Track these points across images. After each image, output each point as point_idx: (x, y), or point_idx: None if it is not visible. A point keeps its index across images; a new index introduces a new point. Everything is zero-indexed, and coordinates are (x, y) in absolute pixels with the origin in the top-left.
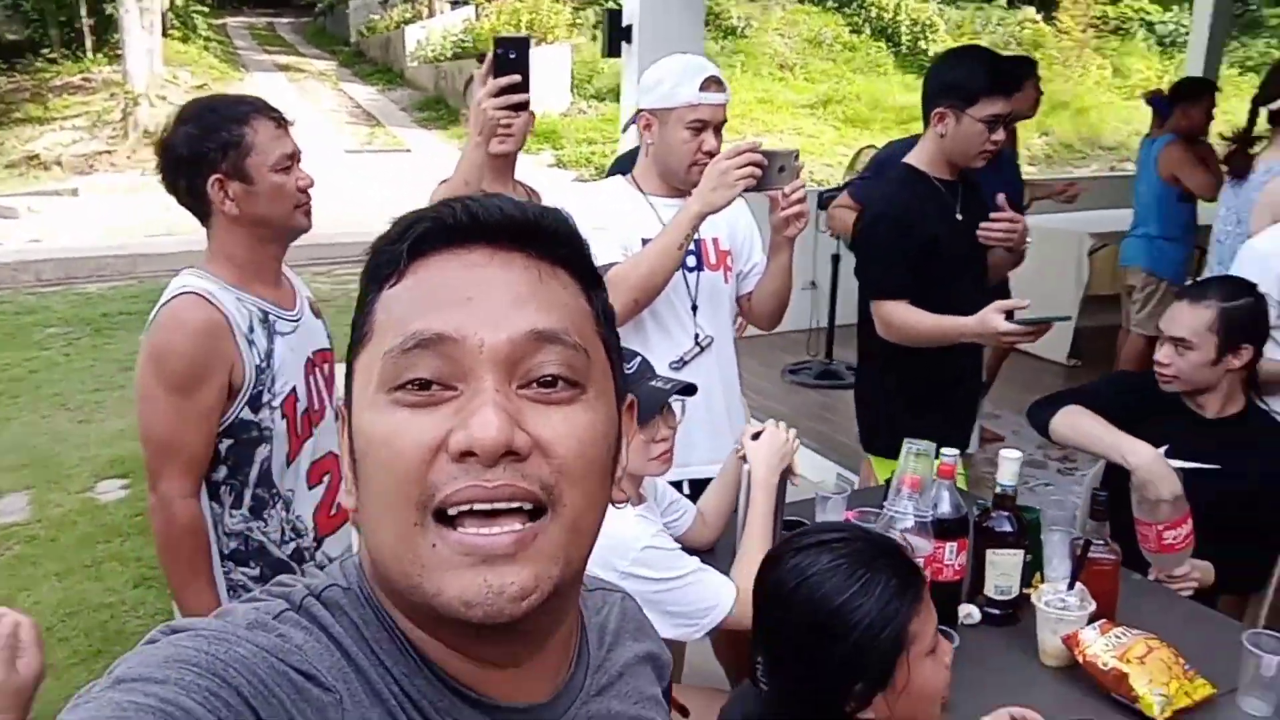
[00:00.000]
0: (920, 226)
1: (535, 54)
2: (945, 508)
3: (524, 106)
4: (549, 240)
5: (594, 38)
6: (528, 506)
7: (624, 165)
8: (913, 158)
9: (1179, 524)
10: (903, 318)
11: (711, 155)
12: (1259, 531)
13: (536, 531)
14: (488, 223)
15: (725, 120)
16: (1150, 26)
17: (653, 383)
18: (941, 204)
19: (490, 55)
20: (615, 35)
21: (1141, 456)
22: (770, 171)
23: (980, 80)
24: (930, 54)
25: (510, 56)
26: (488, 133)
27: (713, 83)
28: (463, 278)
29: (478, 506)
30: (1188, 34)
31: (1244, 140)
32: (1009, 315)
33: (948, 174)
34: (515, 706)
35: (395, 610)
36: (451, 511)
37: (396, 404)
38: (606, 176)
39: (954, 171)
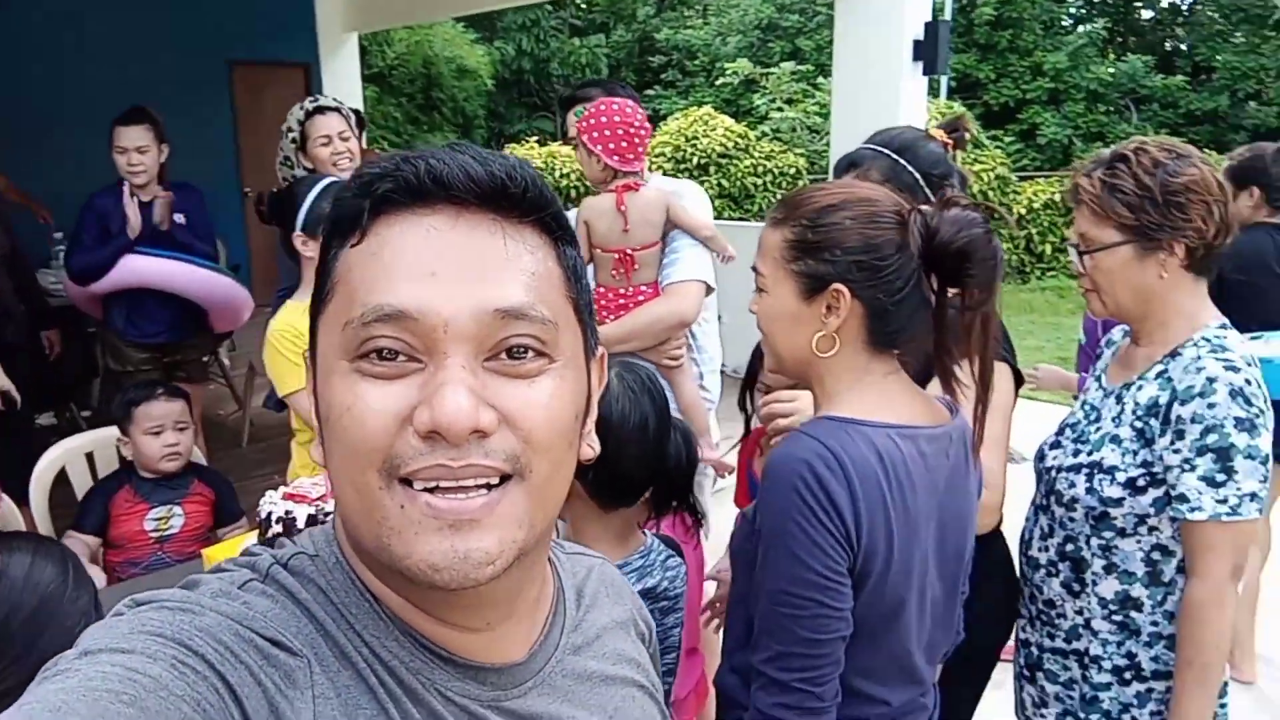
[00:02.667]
0: None
1: None
2: None
3: None
4: (516, 199)
5: None
6: (494, 481)
7: None
8: None
9: None
10: None
11: None
12: None
13: (502, 496)
14: (452, 183)
15: None
16: None
17: None
18: None
19: None
20: None
21: None
22: None
23: None
24: None
25: None
26: None
27: None
28: (425, 246)
29: (444, 484)
30: None
31: None
32: None
33: None
34: (490, 666)
35: (368, 573)
36: (417, 485)
37: (360, 373)
38: None
39: None
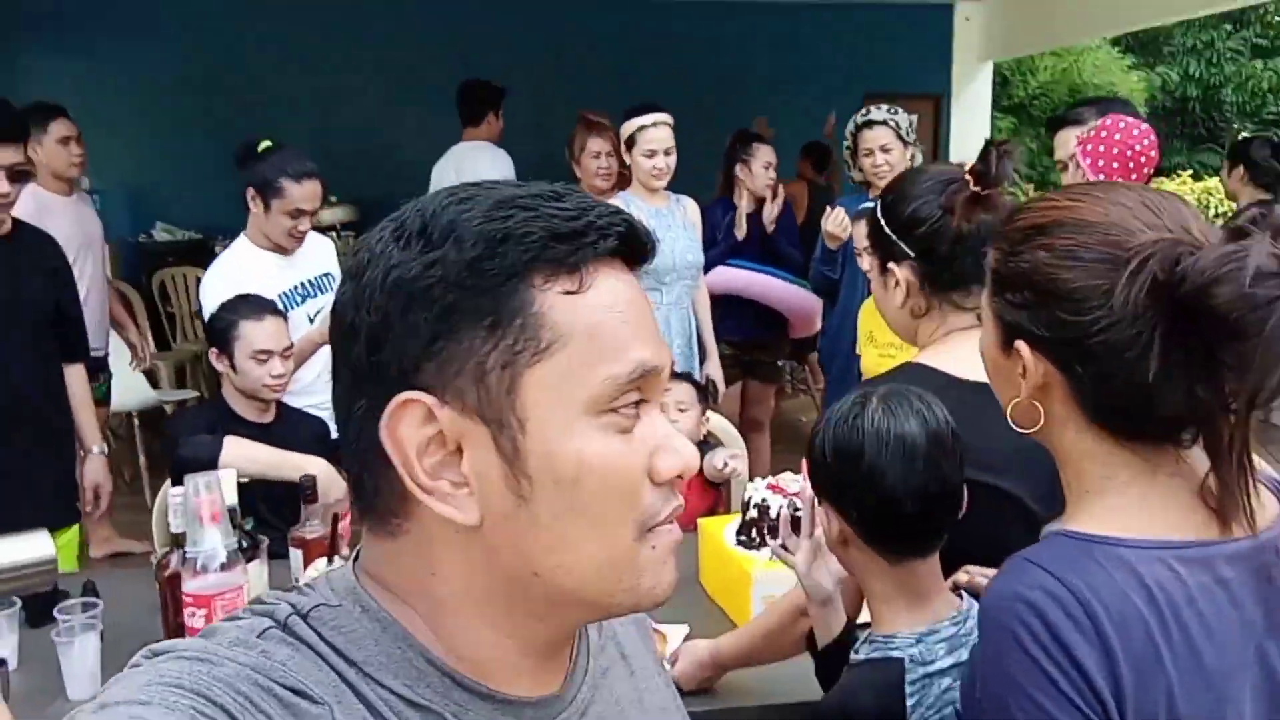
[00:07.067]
0: None
1: None
2: None
3: None
4: (647, 254)
5: None
6: None
7: None
8: None
9: None
10: None
11: None
12: None
13: None
14: (632, 238)
15: None
16: None
17: None
18: None
19: None
20: None
21: None
22: None
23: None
24: None
25: None
26: None
27: None
28: (638, 301)
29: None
30: None
31: None
32: None
33: None
34: (528, 699)
35: (407, 611)
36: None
37: (609, 428)
38: None
39: None
